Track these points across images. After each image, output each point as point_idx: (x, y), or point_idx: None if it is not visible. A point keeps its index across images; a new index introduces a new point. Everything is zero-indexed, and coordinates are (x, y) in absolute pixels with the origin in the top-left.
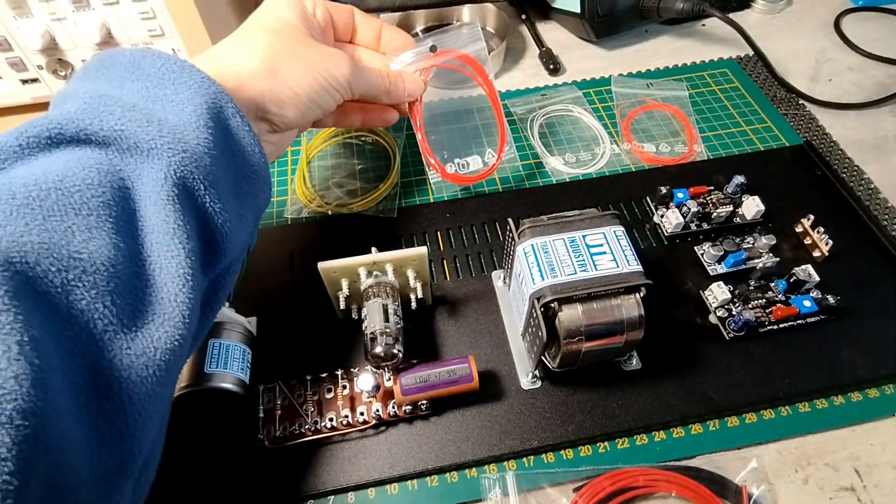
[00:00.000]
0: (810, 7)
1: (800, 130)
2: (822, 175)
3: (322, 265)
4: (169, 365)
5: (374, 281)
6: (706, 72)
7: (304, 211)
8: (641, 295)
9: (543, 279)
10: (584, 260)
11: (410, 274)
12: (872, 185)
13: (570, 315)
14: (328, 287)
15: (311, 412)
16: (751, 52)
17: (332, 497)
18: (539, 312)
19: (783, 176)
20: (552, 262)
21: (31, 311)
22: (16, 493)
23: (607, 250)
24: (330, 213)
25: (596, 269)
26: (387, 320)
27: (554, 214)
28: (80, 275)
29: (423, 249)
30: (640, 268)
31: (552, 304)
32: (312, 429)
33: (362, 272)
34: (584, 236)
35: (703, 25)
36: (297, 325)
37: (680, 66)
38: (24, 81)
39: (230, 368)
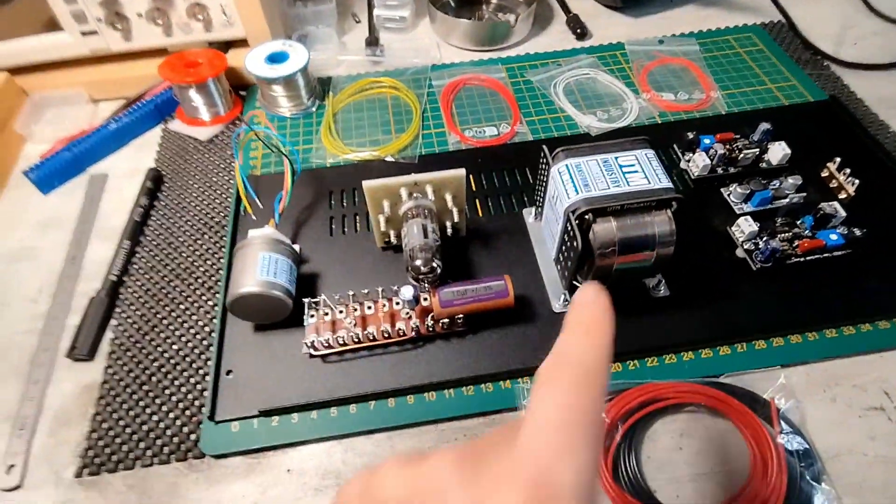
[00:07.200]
0: None
1: (825, 89)
2: (847, 127)
3: (367, 183)
4: None
5: (414, 203)
6: (731, 36)
7: (329, 158)
8: (672, 210)
9: (578, 193)
10: (616, 177)
11: (448, 197)
12: None
13: (603, 227)
14: (370, 207)
15: (353, 325)
16: (775, 19)
17: (374, 402)
18: (574, 224)
19: (809, 127)
20: (586, 179)
21: None
22: None
23: (639, 169)
24: (355, 160)
25: (628, 185)
26: (426, 236)
27: (586, 143)
28: None
29: (462, 171)
30: (670, 185)
31: (587, 216)
32: (355, 339)
33: (403, 192)
34: (616, 157)
35: None
36: (338, 252)
37: (705, 31)
38: (84, 34)
39: (279, 278)
